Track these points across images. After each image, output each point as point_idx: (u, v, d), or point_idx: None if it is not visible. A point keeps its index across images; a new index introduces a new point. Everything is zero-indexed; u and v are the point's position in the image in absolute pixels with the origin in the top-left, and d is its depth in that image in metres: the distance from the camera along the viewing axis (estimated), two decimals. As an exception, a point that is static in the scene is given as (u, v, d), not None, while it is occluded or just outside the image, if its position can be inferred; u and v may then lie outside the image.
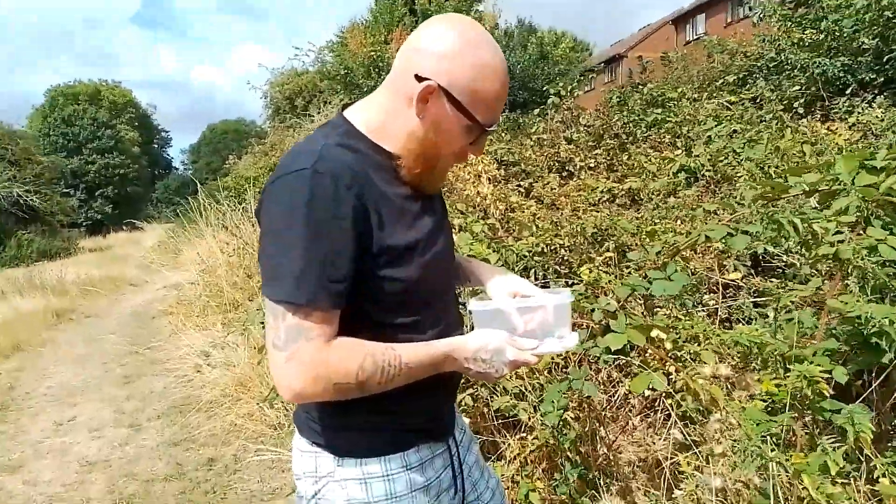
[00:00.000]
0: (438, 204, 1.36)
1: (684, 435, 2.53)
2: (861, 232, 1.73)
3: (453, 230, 1.31)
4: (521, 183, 5.79)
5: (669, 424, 2.67)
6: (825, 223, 1.72)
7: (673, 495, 2.43)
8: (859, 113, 5.04)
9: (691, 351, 2.10)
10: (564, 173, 6.28)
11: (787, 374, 1.61)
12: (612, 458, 2.63)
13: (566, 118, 7.33)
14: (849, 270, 1.67)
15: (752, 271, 3.49)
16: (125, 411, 5.06)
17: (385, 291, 1.16)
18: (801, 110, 5.69)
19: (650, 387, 2.02)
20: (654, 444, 2.75)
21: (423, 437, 1.29)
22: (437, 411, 1.32)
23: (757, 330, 1.94)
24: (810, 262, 1.89)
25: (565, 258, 3.58)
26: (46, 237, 24.91)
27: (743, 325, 2.61)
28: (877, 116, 4.47)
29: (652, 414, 2.80)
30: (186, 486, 3.55)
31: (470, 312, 1.34)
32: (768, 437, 1.48)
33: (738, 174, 4.81)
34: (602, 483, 2.53)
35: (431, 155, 1.20)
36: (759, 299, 3.19)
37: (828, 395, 1.51)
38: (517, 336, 1.27)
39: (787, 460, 1.43)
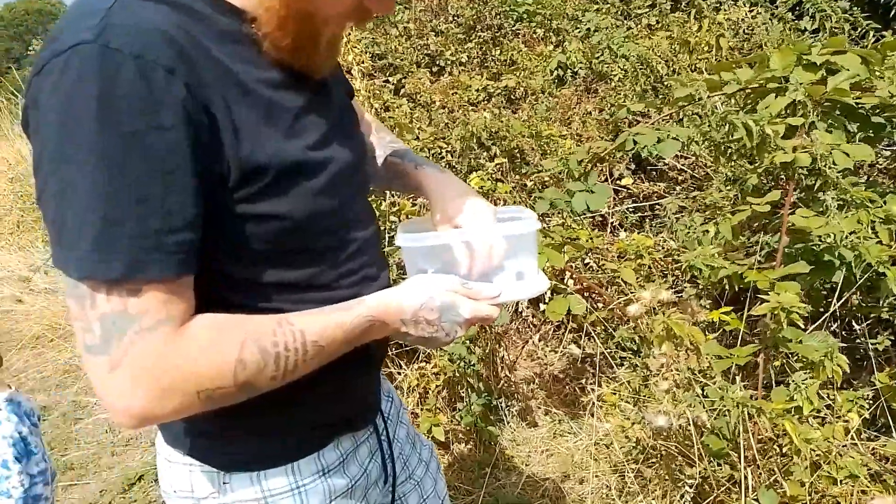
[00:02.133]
0: (337, 95, 0.93)
1: (581, 348, 2.44)
2: (806, 136, 1.60)
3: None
4: (390, 79, 5.33)
5: (564, 341, 2.58)
6: (774, 126, 1.55)
7: (579, 416, 2.36)
8: (725, 10, 5.09)
9: (609, 269, 1.94)
10: (435, 68, 5.89)
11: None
12: (511, 379, 2.50)
13: (432, 6, 6.81)
14: (799, 179, 1.54)
15: (639, 176, 3.43)
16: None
17: (253, 239, 0.75)
18: (667, 6, 5.64)
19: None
20: (551, 361, 2.66)
21: (342, 428, 0.94)
22: (360, 393, 0.97)
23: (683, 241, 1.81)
24: (759, 170, 1.76)
25: (452, 164, 3.29)
26: None
27: (643, 235, 2.51)
28: (745, 13, 4.53)
29: (552, 330, 2.69)
30: (15, 441, 2.99)
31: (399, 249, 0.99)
32: (731, 374, 1.36)
33: (614, 72, 4.72)
34: (504, 406, 2.41)
35: (306, 15, 0.76)
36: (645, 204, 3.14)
37: (802, 326, 1.40)
38: (470, 282, 0.91)
39: (752, 398, 1.32)
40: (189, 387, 0.68)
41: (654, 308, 1.55)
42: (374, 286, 0.91)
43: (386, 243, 2.24)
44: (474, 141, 3.15)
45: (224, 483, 0.86)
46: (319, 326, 0.77)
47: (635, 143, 1.88)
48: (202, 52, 0.69)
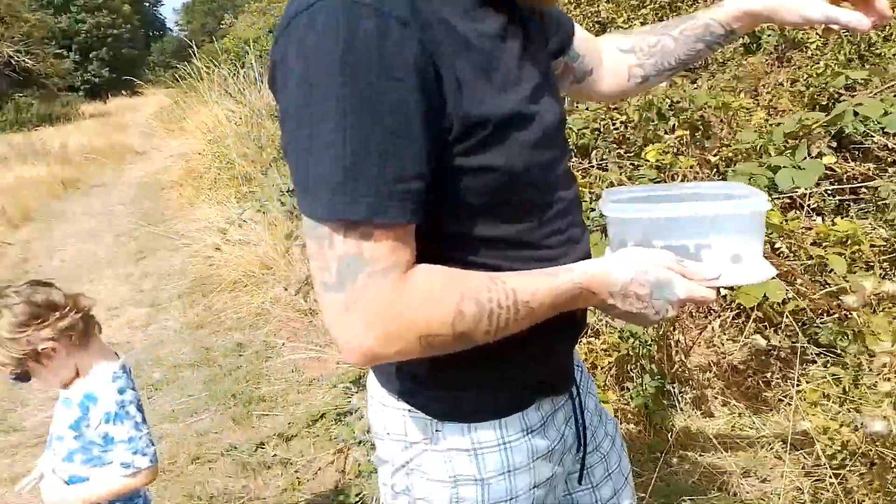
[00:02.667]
0: (542, 52, 0.91)
1: (767, 339, 2.28)
2: None
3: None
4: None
5: (747, 330, 2.42)
6: None
7: (762, 411, 2.22)
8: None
9: (809, 256, 1.78)
10: (608, 37, 5.66)
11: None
12: (686, 364, 2.40)
13: (605, -30, 6.50)
14: None
15: (842, 155, 3.09)
16: (143, 289, 4.88)
17: (469, 193, 0.77)
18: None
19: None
20: (729, 350, 2.51)
21: (545, 390, 0.95)
22: (562, 358, 0.97)
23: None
24: None
25: (627, 136, 3.17)
26: (45, 101, 24.08)
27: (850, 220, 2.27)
28: None
29: (731, 318, 2.54)
30: (216, 372, 3.40)
31: (602, 217, 0.96)
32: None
33: (811, 40, 4.26)
34: (677, 392, 2.32)
35: None
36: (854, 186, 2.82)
37: None
38: (687, 260, 0.86)
39: None
40: (412, 333, 0.72)
41: (873, 301, 1.41)
42: (578, 249, 0.90)
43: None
44: (653, 111, 3.00)
45: (437, 431, 0.89)
46: (531, 288, 0.78)
47: (855, 114, 1.69)
48: (428, 6, 0.70)
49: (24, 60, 23.69)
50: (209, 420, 2.94)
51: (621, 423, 2.27)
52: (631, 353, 2.18)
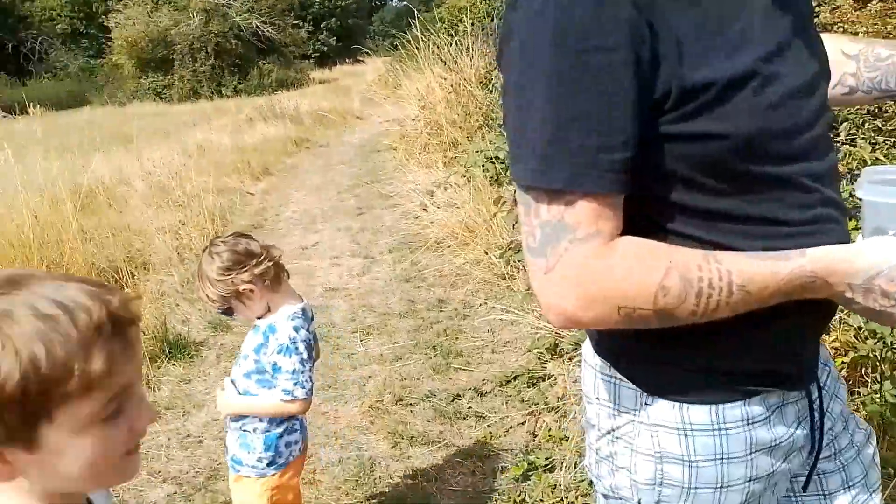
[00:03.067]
0: (796, 3, 0.81)
1: None
2: None
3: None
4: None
5: None
6: None
7: None
8: None
9: None
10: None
11: None
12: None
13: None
14: None
15: None
16: (359, 242, 5.35)
17: (688, 161, 0.73)
18: None
19: None
20: None
21: (771, 382, 0.86)
22: (797, 350, 0.87)
23: None
24: None
25: (883, 107, 2.76)
26: (282, 68, 26.99)
27: None
28: None
29: None
30: (420, 323, 3.64)
31: (857, 200, 0.86)
32: None
33: None
34: (921, 405, 2.02)
35: None
36: None
37: None
38: None
39: None
40: (611, 301, 0.72)
41: None
42: (832, 231, 0.80)
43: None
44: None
45: (646, 404, 0.87)
46: (750, 271, 0.72)
47: None
48: None
49: (268, 31, 26.67)
50: (412, 366, 3.18)
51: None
52: (870, 355, 1.94)
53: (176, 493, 2.42)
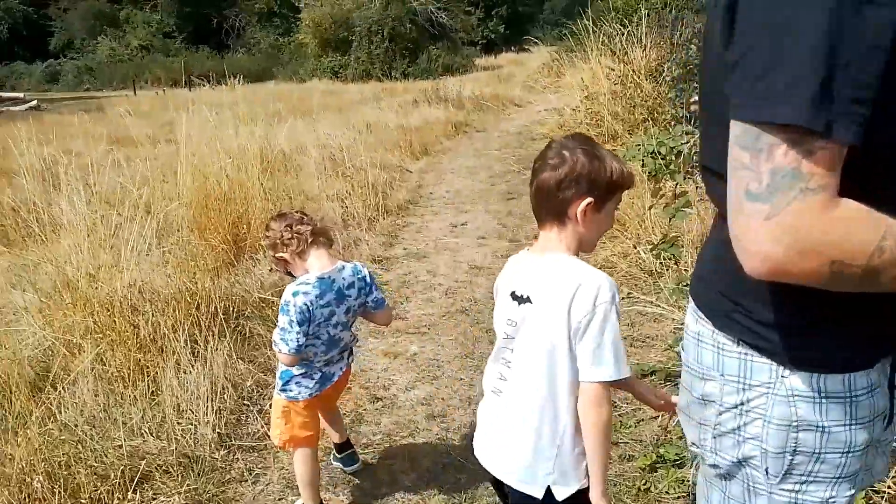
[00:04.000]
0: None
1: None
2: None
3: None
4: None
5: None
6: None
7: None
8: None
9: None
10: None
11: None
12: None
13: None
14: None
15: None
16: (507, 226, 5.48)
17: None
18: None
19: None
20: None
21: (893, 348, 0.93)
22: None
23: None
24: None
25: None
26: (449, 53, 27.72)
27: None
28: None
29: None
30: (558, 309, 3.69)
31: None
32: None
33: None
34: None
35: None
36: None
37: None
38: None
39: None
40: (825, 256, 0.72)
41: None
42: None
43: None
44: None
45: (782, 376, 0.90)
46: None
47: None
48: None
49: (441, 17, 27.47)
50: (548, 348, 3.25)
51: None
52: None
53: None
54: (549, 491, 1.35)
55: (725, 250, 0.83)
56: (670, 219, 3.29)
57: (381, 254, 4.86)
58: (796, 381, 0.90)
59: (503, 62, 30.37)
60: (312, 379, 2.08)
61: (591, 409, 1.30)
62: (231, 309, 3.44)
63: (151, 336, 2.94)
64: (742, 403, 0.94)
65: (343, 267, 2.09)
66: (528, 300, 1.36)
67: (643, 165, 5.14)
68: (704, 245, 1.07)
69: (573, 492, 1.35)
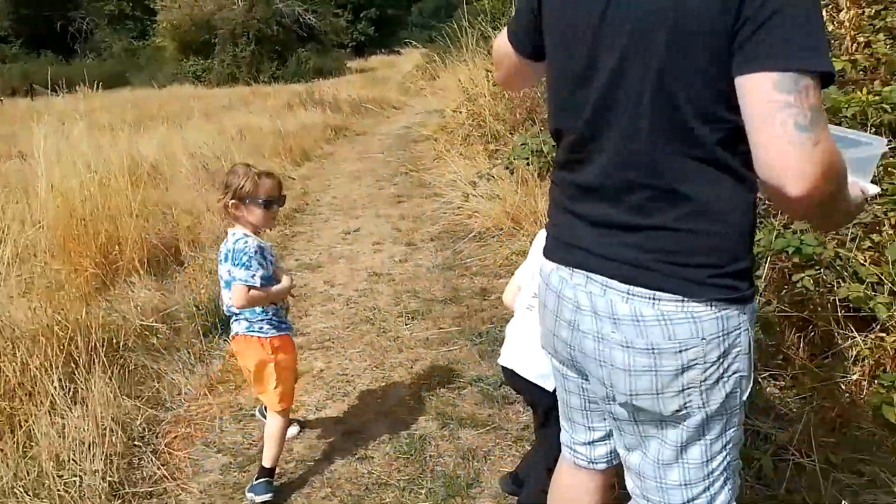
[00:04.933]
0: None
1: None
2: None
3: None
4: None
5: None
6: None
7: None
8: None
9: None
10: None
11: None
12: None
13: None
14: None
15: None
16: (401, 229, 5.39)
17: None
18: None
19: None
20: None
21: None
22: None
23: None
24: None
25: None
26: (320, 56, 27.18)
27: None
28: None
29: None
30: (464, 311, 3.68)
31: None
32: None
33: None
34: None
35: None
36: None
37: None
38: None
39: None
40: (840, 176, 0.96)
41: None
42: None
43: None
44: None
45: (743, 314, 1.08)
46: None
47: None
48: None
49: (309, 18, 26.87)
50: (458, 352, 3.22)
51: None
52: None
53: (231, 463, 2.49)
54: None
55: (695, 222, 1.02)
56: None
57: (272, 267, 4.61)
58: (749, 311, 1.09)
59: (375, 64, 30.27)
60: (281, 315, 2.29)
61: None
62: (111, 340, 3.10)
63: (18, 380, 2.58)
64: (725, 351, 1.08)
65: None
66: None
67: (529, 164, 5.28)
68: (638, 236, 1.09)
69: None
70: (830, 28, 3.71)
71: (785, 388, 2.25)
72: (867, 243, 2.40)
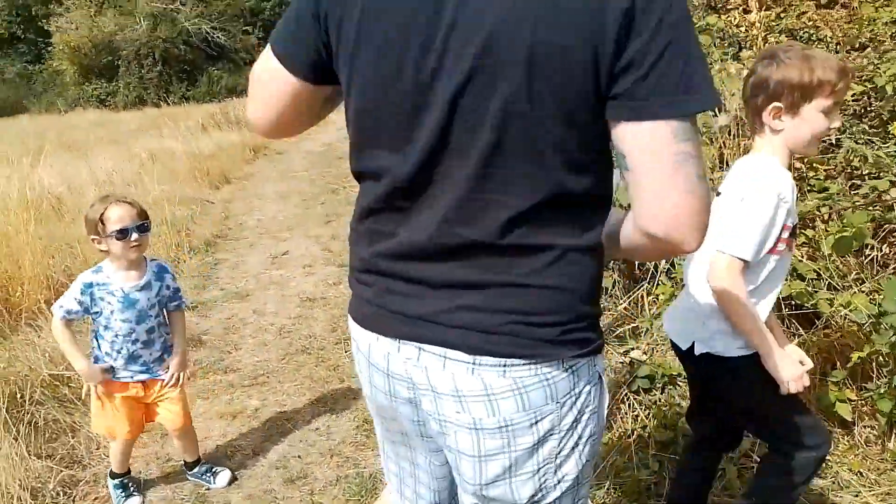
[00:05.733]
0: None
1: None
2: None
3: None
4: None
5: None
6: None
7: None
8: None
9: None
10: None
11: None
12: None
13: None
14: None
15: None
16: (332, 250, 5.20)
17: None
18: None
19: None
20: None
21: None
22: None
23: None
24: None
25: (870, 110, 2.82)
26: (232, 74, 26.42)
27: None
28: None
29: None
30: (404, 333, 3.53)
31: None
32: None
33: None
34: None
35: None
36: None
37: None
38: None
39: None
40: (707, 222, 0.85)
41: None
42: None
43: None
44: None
45: (594, 365, 0.97)
46: None
47: None
48: None
49: (218, 36, 26.09)
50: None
51: (857, 425, 2.05)
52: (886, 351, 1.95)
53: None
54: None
55: (548, 277, 0.88)
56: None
57: (196, 298, 4.32)
58: (599, 361, 0.98)
59: (291, 81, 29.59)
60: None
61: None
62: (14, 395, 2.78)
63: None
64: (579, 412, 0.95)
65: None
66: (718, 193, 1.48)
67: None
68: (483, 296, 0.91)
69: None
70: (743, 29, 3.84)
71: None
72: (801, 239, 2.43)
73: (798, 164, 2.49)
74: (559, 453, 0.95)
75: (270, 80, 1.00)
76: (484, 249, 0.89)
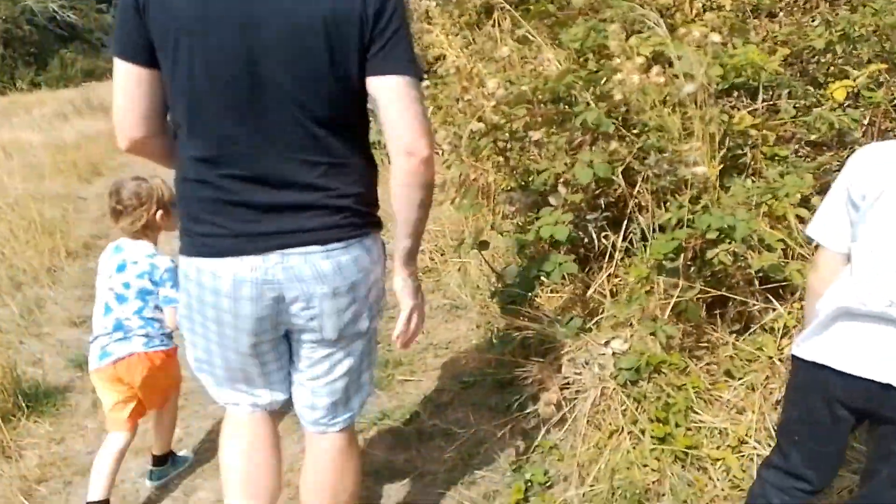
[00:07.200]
0: None
1: None
2: None
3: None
4: None
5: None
6: None
7: None
8: None
9: None
10: None
11: None
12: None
13: None
14: None
15: None
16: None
17: None
18: None
19: None
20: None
21: None
22: None
23: None
24: None
25: (808, 71, 2.81)
26: (89, 57, 24.12)
27: None
28: None
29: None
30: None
31: None
32: None
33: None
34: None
35: None
36: None
37: None
38: None
39: None
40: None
41: None
42: None
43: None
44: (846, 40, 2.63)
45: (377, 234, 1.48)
46: None
47: None
48: None
49: (68, 16, 23.64)
50: (347, 385, 2.77)
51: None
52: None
53: None
54: None
55: (360, 179, 1.39)
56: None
57: (81, 312, 3.71)
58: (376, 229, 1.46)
59: (157, 63, 27.43)
60: None
61: None
62: None
63: None
64: (378, 276, 1.46)
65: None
66: None
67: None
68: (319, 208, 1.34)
69: None
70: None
71: (718, 372, 2.15)
72: (763, 208, 2.37)
73: (753, 132, 2.43)
74: (371, 289, 1.44)
75: (122, 78, 1.31)
76: (312, 169, 1.36)
